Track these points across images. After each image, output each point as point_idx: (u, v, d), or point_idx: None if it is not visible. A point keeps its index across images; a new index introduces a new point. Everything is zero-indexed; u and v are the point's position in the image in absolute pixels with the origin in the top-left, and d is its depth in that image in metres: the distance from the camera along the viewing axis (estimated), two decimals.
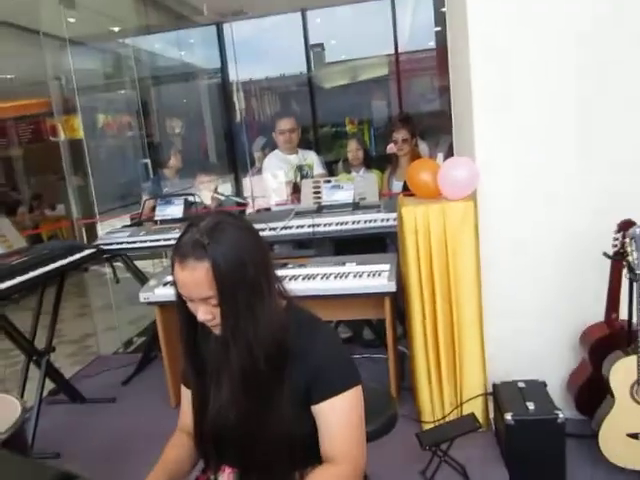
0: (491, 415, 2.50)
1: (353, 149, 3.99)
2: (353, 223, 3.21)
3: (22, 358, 2.96)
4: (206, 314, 1.14)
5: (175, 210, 3.62)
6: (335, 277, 2.68)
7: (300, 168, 3.84)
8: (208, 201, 3.94)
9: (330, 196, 3.47)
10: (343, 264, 2.80)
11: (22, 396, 2.63)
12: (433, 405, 2.52)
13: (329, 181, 3.56)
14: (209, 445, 1.26)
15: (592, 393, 2.20)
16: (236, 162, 7.01)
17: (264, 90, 7.57)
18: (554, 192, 2.37)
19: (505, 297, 2.46)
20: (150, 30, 6.28)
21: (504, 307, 2.46)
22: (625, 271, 2.11)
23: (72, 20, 4.79)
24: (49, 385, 3.13)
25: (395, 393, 2.73)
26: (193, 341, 1.25)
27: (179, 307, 1.21)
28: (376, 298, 2.64)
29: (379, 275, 2.64)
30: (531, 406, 2.19)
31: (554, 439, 2.14)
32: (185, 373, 1.32)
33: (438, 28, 5.78)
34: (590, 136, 2.30)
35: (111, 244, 3.44)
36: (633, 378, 2.02)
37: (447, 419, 2.47)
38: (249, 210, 4.32)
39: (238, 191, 6.79)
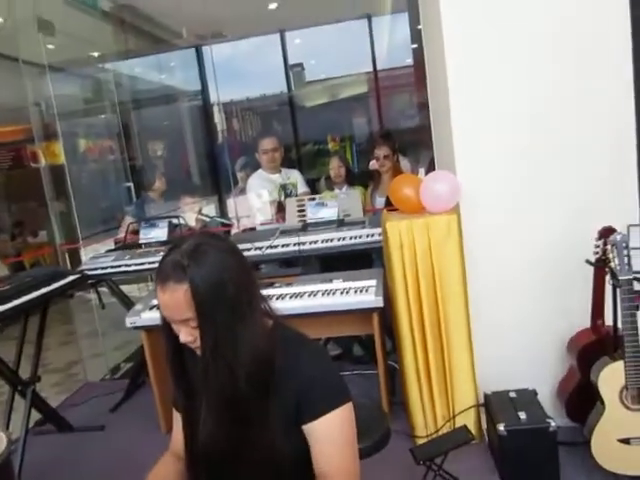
0: (484, 426, 2.50)
1: (335, 166, 4.02)
2: (339, 240, 3.23)
3: (7, 389, 2.90)
4: (187, 336, 1.14)
5: (159, 233, 3.61)
6: (322, 294, 2.68)
7: (284, 187, 3.85)
8: (193, 223, 3.94)
9: (315, 214, 3.48)
10: (330, 281, 2.80)
11: (7, 428, 2.58)
12: (425, 419, 2.51)
13: (313, 199, 3.57)
14: (200, 468, 1.25)
15: (582, 400, 2.21)
16: (219, 183, 7.02)
17: (245, 110, 7.62)
18: (535, 202, 2.40)
19: (492, 308, 2.48)
20: (130, 54, 6.29)
21: (491, 318, 2.48)
22: (608, 277, 2.14)
23: (51, 47, 4.80)
24: (35, 415, 3.06)
25: (387, 408, 2.72)
26: (180, 364, 1.24)
27: (165, 330, 1.20)
28: (364, 314, 2.65)
29: (366, 291, 2.64)
30: (523, 416, 2.20)
31: (547, 448, 2.15)
32: (175, 397, 1.31)
33: (415, 45, 5.87)
34: (569, 148, 2.35)
35: (95, 269, 3.41)
36: (621, 383, 2.03)
37: (440, 432, 2.46)
38: (234, 230, 4.32)
39: (222, 212, 6.79)
